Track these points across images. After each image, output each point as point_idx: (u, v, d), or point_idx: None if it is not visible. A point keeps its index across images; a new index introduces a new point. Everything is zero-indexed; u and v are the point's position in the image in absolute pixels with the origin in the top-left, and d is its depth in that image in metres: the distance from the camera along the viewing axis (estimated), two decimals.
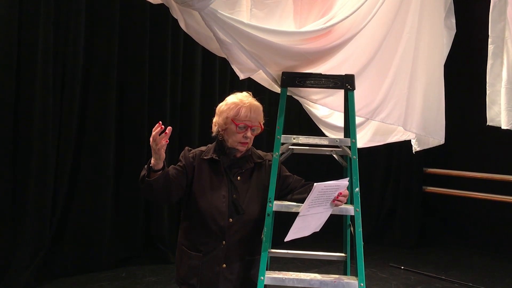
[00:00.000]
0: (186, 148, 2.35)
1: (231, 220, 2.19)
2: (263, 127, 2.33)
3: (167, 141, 2.02)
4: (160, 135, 2.00)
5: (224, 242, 2.18)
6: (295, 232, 2.15)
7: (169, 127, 2.03)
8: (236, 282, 2.21)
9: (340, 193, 2.13)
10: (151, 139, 2.01)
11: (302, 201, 2.23)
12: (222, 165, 2.26)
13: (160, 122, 2.01)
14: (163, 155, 2.06)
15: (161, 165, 2.08)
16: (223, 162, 2.26)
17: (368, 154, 4.48)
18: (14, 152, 4.26)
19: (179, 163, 2.28)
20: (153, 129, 1.99)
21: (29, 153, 4.26)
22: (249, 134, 2.25)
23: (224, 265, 2.19)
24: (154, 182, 2.07)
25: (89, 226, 4.65)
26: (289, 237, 2.16)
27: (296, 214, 2.14)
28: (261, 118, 2.31)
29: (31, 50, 4.24)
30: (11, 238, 4.25)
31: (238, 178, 2.27)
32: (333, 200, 2.15)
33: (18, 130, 4.27)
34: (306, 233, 2.22)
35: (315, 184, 2.02)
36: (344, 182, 2.13)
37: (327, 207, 2.15)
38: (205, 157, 2.28)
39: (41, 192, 4.30)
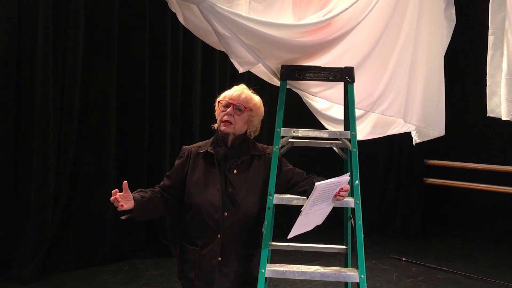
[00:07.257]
0: (183, 147, 2.38)
1: (226, 214, 2.19)
2: (251, 108, 2.28)
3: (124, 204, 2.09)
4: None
5: (219, 235, 2.18)
6: (298, 229, 2.15)
7: (124, 182, 2.08)
8: (232, 276, 2.20)
9: (342, 189, 2.13)
10: (111, 200, 2.07)
11: (305, 194, 2.24)
12: (216, 157, 2.25)
13: (117, 190, 2.06)
14: (132, 203, 2.11)
15: (132, 206, 2.12)
16: (217, 154, 2.25)
17: (369, 146, 4.48)
18: (16, 147, 4.29)
19: (173, 168, 2.33)
20: (113, 192, 2.05)
21: (31, 147, 4.28)
22: (229, 111, 2.24)
23: (220, 258, 2.18)
24: (133, 217, 2.17)
25: (91, 220, 4.67)
26: (292, 234, 2.15)
27: (297, 208, 2.14)
28: (248, 104, 2.27)
29: (31, 47, 4.25)
30: (15, 232, 4.28)
31: (235, 171, 2.25)
32: (335, 196, 2.15)
33: (19, 126, 4.29)
34: (309, 228, 2.22)
35: (316, 183, 2.00)
36: (345, 177, 2.12)
37: (328, 202, 2.15)
38: (201, 151, 2.29)
39: (44, 186, 4.32)
